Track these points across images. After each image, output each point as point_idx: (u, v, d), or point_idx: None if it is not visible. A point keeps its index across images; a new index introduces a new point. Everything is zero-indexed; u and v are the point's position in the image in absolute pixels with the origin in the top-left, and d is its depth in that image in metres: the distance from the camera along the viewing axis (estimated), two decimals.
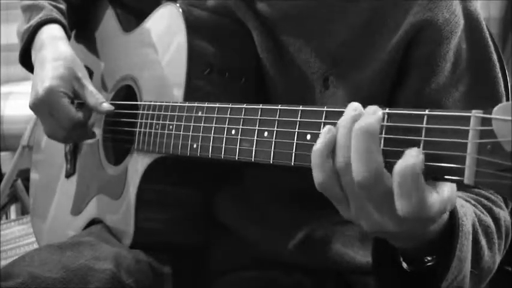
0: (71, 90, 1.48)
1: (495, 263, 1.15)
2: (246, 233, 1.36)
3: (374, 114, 0.82)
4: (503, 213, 1.20)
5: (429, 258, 0.97)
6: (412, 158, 0.77)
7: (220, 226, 1.39)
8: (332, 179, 0.86)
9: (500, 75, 1.26)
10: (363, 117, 0.83)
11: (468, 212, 1.03)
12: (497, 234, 1.16)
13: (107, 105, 1.48)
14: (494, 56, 1.26)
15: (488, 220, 1.14)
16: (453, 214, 0.95)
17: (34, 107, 1.48)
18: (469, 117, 0.74)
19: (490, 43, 1.27)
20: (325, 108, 0.92)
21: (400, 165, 0.78)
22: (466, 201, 1.14)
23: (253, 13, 1.35)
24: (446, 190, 0.82)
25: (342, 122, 0.85)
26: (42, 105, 1.47)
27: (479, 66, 1.25)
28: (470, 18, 1.25)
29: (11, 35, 1.68)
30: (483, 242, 1.10)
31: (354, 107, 0.85)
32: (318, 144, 0.86)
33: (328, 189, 0.87)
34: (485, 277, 1.15)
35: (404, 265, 0.99)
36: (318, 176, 0.87)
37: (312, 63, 1.28)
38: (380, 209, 0.84)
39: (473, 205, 1.15)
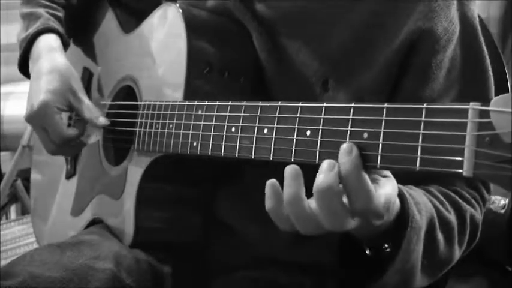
0: (66, 103, 1.50)
1: (453, 255, 1.21)
2: (245, 233, 1.37)
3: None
4: (471, 211, 1.24)
5: (387, 245, 1.07)
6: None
7: (220, 225, 1.39)
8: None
9: (491, 79, 1.28)
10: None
11: (425, 209, 1.10)
12: (460, 229, 1.20)
13: (102, 120, 1.50)
14: (487, 61, 1.29)
15: (451, 217, 1.19)
16: (404, 210, 1.04)
17: (29, 119, 1.51)
18: (467, 110, 0.74)
19: (483, 48, 1.29)
20: (324, 104, 0.92)
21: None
22: (434, 196, 1.19)
23: (252, 14, 1.36)
24: (388, 187, 0.95)
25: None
26: (36, 119, 1.49)
27: (471, 71, 1.28)
28: (466, 24, 1.27)
29: (11, 35, 1.69)
30: (440, 236, 1.15)
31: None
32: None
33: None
34: (441, 267, 1.21)
35: (367, 251, 1.09)
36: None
37: (310, 65, 1.28)
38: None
39: (441, 202, 1.19)
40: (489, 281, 2.09)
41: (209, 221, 1.40)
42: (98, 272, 1.23)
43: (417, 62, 1.24)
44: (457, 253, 1.22)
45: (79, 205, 1.61)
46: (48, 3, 1.64)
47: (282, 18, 1.33)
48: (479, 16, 1.34)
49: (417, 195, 1.12)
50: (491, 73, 1.29)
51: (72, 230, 1.58)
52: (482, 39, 1.29)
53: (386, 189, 0.95)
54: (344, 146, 0.88)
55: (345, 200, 0.91)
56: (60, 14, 1.65)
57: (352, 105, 0.88)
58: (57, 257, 1.26)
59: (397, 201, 1.02)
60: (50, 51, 1.55)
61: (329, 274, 1.36)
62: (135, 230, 1.35)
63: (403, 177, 1.10)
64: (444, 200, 1.21)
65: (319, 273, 1.37)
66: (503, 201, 2.08)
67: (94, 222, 1.53)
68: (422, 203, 1.11)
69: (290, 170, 0.92)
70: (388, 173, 0.98)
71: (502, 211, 2.07)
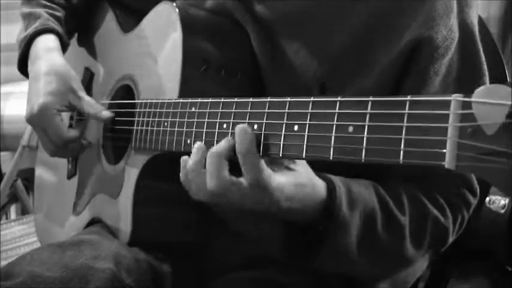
0: (66, 104, 1.50)
1: (405, 251, 1.25)
2: (245, 231, 1.36)
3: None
4: (436, 216, 1.26)
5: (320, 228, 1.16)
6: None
7: (219, 224, 1.38)
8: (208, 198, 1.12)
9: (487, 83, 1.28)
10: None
11: (360, 205, 1.17)
12: (414, 230, 1.24)
13: (107, 113, 1.50)
14: (484, 67, 1.29)
15: (402, 217, 1.23)
16: (330, 204, 1.13)
17: (29, 121, 1.52)
18: (449, 102, 0.74)
19: (481, 54, 1.29)
20: (311, 99, 0.93)
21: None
22: (393, 196, 1.24)
23: (251, 15, 1.36)
24: (285, 177, 1.07)
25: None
26: (37, 121, 1.49)
27: (467, 77, 1.28)
28: (465, 31, 1.27)
29: (11, 35, 1.69)
30: (381, 231, 1.20)
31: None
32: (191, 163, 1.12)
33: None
34: (385, 259, 1.27)
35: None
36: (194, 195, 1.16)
37: (308, 66, 1.28)
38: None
39: (397, 202, 1.23)
40: (490, 280, 2.08)
41: (208, 220, 1.39)
42: (98, 271, 1.23)
43: (415, 69, 1.24)
44: (413, 252, 1.26)
45: (79, 205, 1.62)
46: (48, 3, 1.65)
47: (281, 18, 1.33)
48: (479, 17, 1.34)
49: (361, 192, 1.19)
50: (487, 79, 1.28)
51: (72, 229, 1.59)
52: (480, 46, 1.29)
53: (281, 178, 1.06)
54: (241, 126, 1.02)
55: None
56: (59, 14, 1.65)
57: (339, 99, 0.89)
58: (57, 256, 1.26)
59: (320, 194, 1.13)
60: (48, 52, 1.55)
61: (328, 274, 1.35)
62: (133, 227, 1.35)
63: (387, 176, 1.23)
64: (404, 201, 1.24)
65: (319, 273, 1.36)
66: (503, 201, 2.08)
67: (94, 221, 1.53)
68: (362, 200, 1.17)
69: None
70: (296, 166, 1.09)
71: (502, 211, 2.07)
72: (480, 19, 1.35)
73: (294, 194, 1.08)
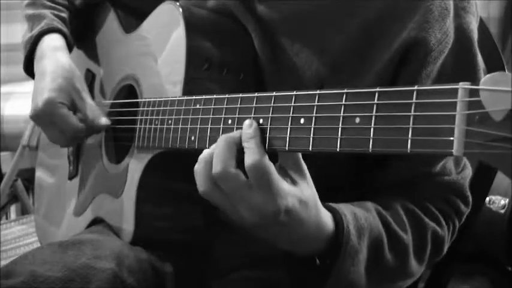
0: (70, 100, 1.50)
1: (409, 269, 1.27)
2: (245, 231, 1.36)
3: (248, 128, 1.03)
4: (434, 228, 1.28)
5: (328, 261, 1.15)
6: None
7: (221, 223, 1.38)
8: (211, 188, 1.08)
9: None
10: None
11: (367, 232, 1.17)
12: (417, 247, 1.26)
13: (104, 120, 1.51)
14: (480, 74, 1.29)
15: (405, 236, 1.24)
16: (338, 235, 1.12)
17: (35, 118, 1.51)
18: (456, 90, 0.74)
19: (477, 60, 1.29)
20: (318, 92, 0.93)
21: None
22: (393, 215, 1.24)
23: (252, 15, 1.36)
24: (289, 187, 1.03)
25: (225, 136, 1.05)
26: (43, 116, 1.49)
27: (462, 76, 1.27)
28: (461, 36, 1.27)
29: (12, 35, 1.70)
30: (388, 255, 1.21)
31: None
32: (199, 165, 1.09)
33: (209, 196, 1.10)
34: (393, 279, 1.29)
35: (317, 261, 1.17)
36: (200, 186, 1.11)
37: (309, 66, 1.29)
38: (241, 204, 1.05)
39: (399, 221, 1.24)
40: (490, 280, 2.08)
41: (209, 219, 1.39)
42: (99, 271, 1.23)
43: (407, 70, 1.24)
44: (416, 267, 1.28)
45: (81, 205, 1.62)
46: (52, 4, 1.66)
47: (283, 19, 1.33)
48: (480, 17, 1.34)
49: (366, 216, 1.19)
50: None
51: (74, 230, 1.59)
52: (477, 52, 1.29)
53: (284, 186, 1.03)
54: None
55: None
56: (64, 15, 1.66)
57: (345, 91, 0.89)
58: (59, 256, 1.26)
59: (326, 224, 1.12)
60: (54, 51, 1.56)
61: None
62: (135, 226, 1.35)
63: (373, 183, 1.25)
64: (404, 219, 1.25)
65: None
66: (503, 201, 2.08)
67: (96, 221, 1.53)
68: (368, 226, 1.17)
69: None
70: (303, 183, 1.06)
71: (502, 211, 2.07)
72: (480, 19, 1.36)
73: (296, 209, 1.05)
